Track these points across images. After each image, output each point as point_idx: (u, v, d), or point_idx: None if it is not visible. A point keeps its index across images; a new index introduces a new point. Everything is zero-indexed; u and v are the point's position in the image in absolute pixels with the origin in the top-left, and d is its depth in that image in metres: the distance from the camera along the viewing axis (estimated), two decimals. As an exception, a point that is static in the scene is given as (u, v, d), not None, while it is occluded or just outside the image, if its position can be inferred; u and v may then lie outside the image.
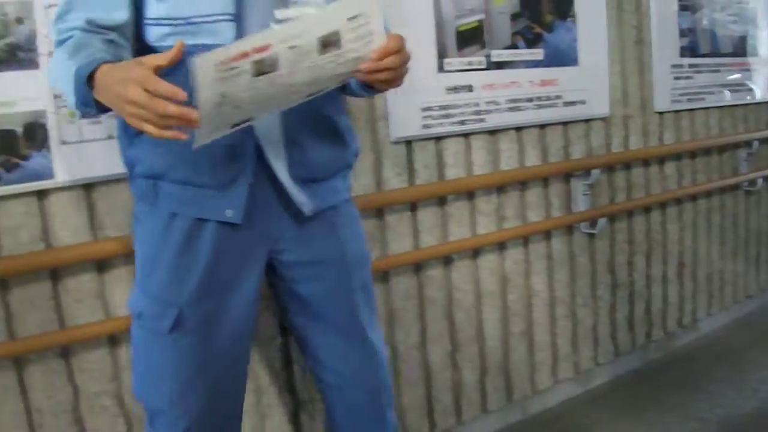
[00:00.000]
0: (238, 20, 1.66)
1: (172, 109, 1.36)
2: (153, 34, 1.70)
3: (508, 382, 3.31)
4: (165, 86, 1.36)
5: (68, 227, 2.19)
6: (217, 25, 1.65)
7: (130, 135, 1.79)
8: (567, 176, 3.44)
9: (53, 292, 2.25)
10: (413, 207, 2.89)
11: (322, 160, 1.85)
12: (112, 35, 1.68)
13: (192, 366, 1.82)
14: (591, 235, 3.55)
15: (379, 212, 2.81)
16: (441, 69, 2.91)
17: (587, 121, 3.50)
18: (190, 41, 1.59)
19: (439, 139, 2.93)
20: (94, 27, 1.66)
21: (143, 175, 1.80)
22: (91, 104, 1.54)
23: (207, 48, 1.46)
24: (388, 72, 1.63)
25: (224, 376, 1.89)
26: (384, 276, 2.85)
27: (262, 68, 1.45)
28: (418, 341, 2.97)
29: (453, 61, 2.94)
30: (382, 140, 2.79)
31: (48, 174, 2.14)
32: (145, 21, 1.71)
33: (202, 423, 1.86)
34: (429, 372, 3.03)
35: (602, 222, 3.53)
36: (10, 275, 2.17)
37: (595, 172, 3.44)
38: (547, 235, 3.38)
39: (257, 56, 1.43)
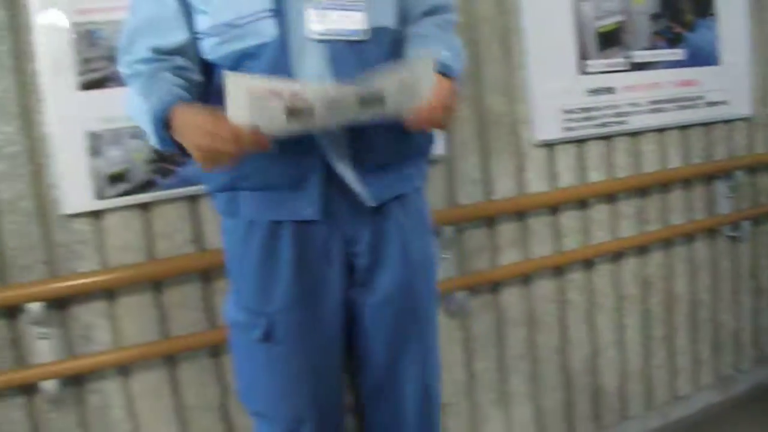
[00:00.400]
0: (279, 15, 1.62)
1: (238, 151, 1.49)
2: (206, 47, 1.70)
3: (648, 387, 3.19)
4: (229, 130, 1.46)
5: (219, 231, 2.17)
6: (259, 23, 1.61)
7: None
8: (709, 178, 3.28)
9: (204, 293, 2.27)
10: (554, 211, 2.81)
11: (387, 144, 1.75)
12: (178, 60, 1.70)
13: (285, 374, 1.79)
14: (734, 239, 3.38)
15: (520, 216, 2.73)
16: (582, 71, 2.82)
17: (729, 121, 3.33)
18: (239, 46, 1.62)
19: (580, 142, 2.84)
20: (159, 55, 1.69)
21: (220, 189, 1.79)
22: (171, 145, 1.61)
23: (256, 50, 1.59)
24: (429, 123, 1.65)
25: (319, 383, 1.84)
26: (525, 280, 2.79)
27: (296, 112, 1.48)
28: (558, 345, 2.89)
29: (594, 63, 2.84)
30: (525, 144, 2.71)
31: (199, 180, 2.13)
32: (197, 37, 1.71)
33: (300, 427, 1.84)
34: (568, 376, 2.94)
35: (746, 225, 3.36)
36: (164, 277, 2.20)
37: (739, 174, 3.28)
38: (690, 238, 3.24)
39: (291, 102, 1.47)
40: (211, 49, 1.69)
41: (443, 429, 2.67)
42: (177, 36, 1.70)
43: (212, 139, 1.47)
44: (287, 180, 1.69)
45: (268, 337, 1.77)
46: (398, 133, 1.70)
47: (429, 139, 1.91)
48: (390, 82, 1.52)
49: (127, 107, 1.72)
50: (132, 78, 1.70)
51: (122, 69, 1.74)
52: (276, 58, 1.61)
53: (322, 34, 1.63)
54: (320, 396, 1.85)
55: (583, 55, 2.82)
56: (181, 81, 1.66)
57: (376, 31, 1.68)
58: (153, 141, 1.65)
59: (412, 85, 1.55)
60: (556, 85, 2.74)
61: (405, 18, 1.78)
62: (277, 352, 1.78)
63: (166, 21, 1.69)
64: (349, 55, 1.65)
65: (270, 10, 1.61)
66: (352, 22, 1.65)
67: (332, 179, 1.70)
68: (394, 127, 1.67)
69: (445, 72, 1.70)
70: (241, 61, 1.64)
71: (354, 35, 1.65)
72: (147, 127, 1.62)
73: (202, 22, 1.68)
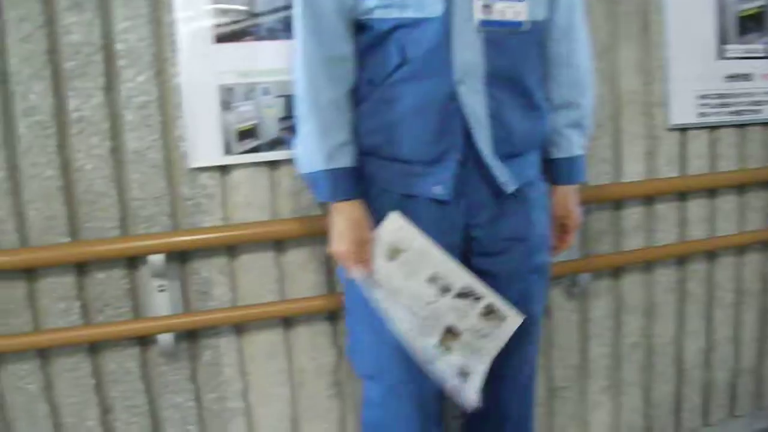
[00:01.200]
0: None
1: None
2: (359, 8, 1.64)
3: (759, 387, 2.97)
4: (366, 254, 1.66)
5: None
6: None
7: None
8: None
9: (326, 256, 2.16)
10: (682, 197, 2.60)
11: (522, 134, 1.74)
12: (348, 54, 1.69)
13: (393, 338, 1.73)
14: None
15: (648, 200, 2.54)
16: (720, 56, 2.60)
17: None
18: (397, 14, 1.61)
19: (713, 128, 2.62)
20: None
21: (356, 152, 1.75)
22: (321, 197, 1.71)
23: (414, 23, 1.59)
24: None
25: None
26: (647, 266, 2.60)
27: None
28: (673, 336, 2.70)
29: (733, 48, 2.62)
30: (657, 127, 2.52)
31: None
32: None
33: (402, 389, 1.81)
34: (681, 369, 2.75)
35: None
36: (287, 237, 2.11)
37: None
38: (818, 237, 2.99)
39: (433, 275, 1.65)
40: (366, 10, 1.64)
41: (552, 412, 2.56)
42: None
43: (349, 253, 1.66)
44: (424, 156, 1.68)
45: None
46: (529, 119, 1.73)
47: (546, 126, 1.87)
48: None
49: (301, 126, 1.70)
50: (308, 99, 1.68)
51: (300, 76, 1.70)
52: (437, 37, 1.60)
53: (485, 23, 1.61)
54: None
55: (723, 39, 2.60)
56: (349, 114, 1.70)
57: (531, 23, 1.67)
58: (307, 181, 1.74)
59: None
60: (693, 69, 2.54)
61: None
62: (381, 322, 1.74)
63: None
64: (506, 45, 1.65)
65: None
66: (515, 13, 1.64)
67: (465, 160, 1.68)
68: (526, 112, 1.71)
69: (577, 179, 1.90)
70: (396, 30, 1.63)
71: (515, 27, 1.65)
72: (311, 169, 1.69)
73: None
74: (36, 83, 1.90)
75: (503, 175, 1.69)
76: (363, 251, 1.66)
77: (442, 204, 1.69)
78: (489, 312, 1.66)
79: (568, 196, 1.90)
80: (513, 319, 1.69)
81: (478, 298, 1.66)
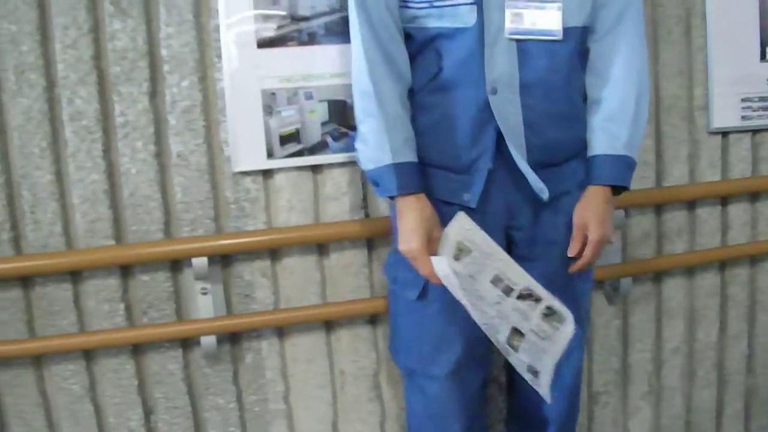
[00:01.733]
0: (479, 5, 1.59)
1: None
2: (403, 16, 1.66)
3: (802, 393, 2.90)
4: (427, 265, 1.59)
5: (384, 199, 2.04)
6: (459, 8, 1.60)
7: None
8: None
9: (368, 260, 2.14)
10: (724, 202, 2.54)
11: (561, 143, 1.71)
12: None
13: (437, 332, 1.77)
14: None
15: (689, 204, 2.48)
16: (763, 58, 2.54)
17: None
18: (434, 24, 1.62)
19: (756, 132, 2.56)
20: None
21: None
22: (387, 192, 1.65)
23: (451, 33, 1.61)
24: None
25: (467, 344, 1.79)
26: (689, 271, 2.54)
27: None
28: (715, 341, 2.64)
29: (777, 50, 2.56)
30: (699, 130, 2.46)
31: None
32: (400, 4, 1.66)
33: (445, 384, 1.82)
34: (722, 374, 2.69)
35: None
36: (329, 241, 2.09)
37: None
38: None
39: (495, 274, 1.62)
40: (408, 19, 1.66)
41: (592, 417, 2.51)
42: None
43: (421, 250, 1.60)
44: (457, 163, 1.68)
45: (423, 295, 1.75)
46: (568, 128, 1.71)
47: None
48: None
49: (361, 122, 1.68)
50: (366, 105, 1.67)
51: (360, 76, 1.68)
52: (470, 47, 1.60)
53: (518, 32, 1.60)
54: (467, 355, 1.81)
55: (766, 41, 2.54)
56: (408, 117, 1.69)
57: (569, 31, 1.64)
58: (369, 176, 1.68)
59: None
60: (735, 72, 2.48)
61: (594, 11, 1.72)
62: (431, 310, 1.76)
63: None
64: (540, 54, 1.63)
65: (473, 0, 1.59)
66: (548, 22, 1.62)
67: (498, 168, 1.67)
68: (565, 121, 1.69)
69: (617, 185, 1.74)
70: (435, 40, 1.64)
71: (549, 35, 1.62)
72: (374, 165, 1.65)
73: None
74: (82, 88, 1.90)
75: (537, 182, 1.66)
76: (431, 248, 1.61)
77: (474, 211, 1.67)
78: (549, 314, 1.63)
79: (587, 201, 1.73)
80: (572, 321, 1.65)
81: (538, 300, 1.62)
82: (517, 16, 1.59)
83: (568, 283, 1.80)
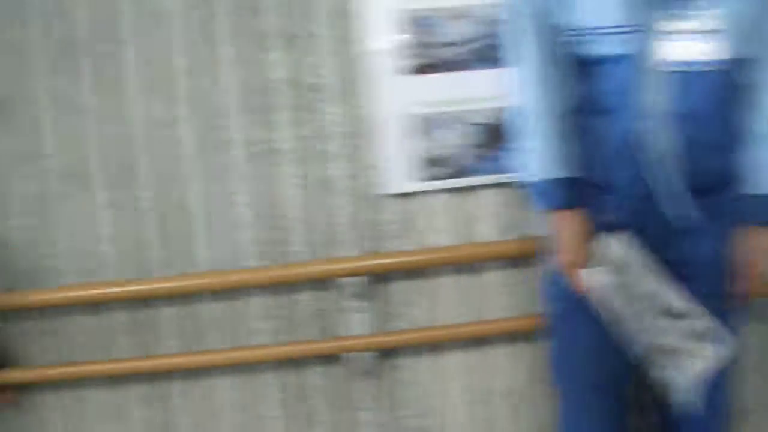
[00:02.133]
0: (638, 33, 1.59)
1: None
2: (565, 40, 1.67)
3: None
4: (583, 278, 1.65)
5: (535, 220, 2.03)
6: (616, 36, 1.60)
7: None
8: None
9: (518, 279, 2.16)
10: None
11: (711, 173, 1.68)
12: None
13: (590, 348, 1.78)
14: None
15: None
16: None
17: None
18: (594, 50, 1.63)
19: None
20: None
21: None
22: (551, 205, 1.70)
23: (606, 59, 1.62)
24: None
25: (616, 360, 1.77)
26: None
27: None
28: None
29: None
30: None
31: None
32: (562, 28, 1.68)
33: (593, 401, 1.83)
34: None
35: None
36: (479, 260, 2.12)
37: None
38: None
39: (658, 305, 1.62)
40: (570, 43, 1.66)
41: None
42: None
43: (577, 264, 1.67)
44: (605, 181, 1.69)
45: (577, 311, 1.75)
46: (721, 160, 1.69)
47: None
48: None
49: (522, 120, 1.71)
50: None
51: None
52: (627, 74, 1.61)
53: (670, 63, 1.59)
54: (619, 371, 1.81)
55: None
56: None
57: (728, 62, 1.61)
58: (537, 176, 1.70)
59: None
60: None
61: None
62: (584, 327, 1.76)
63: None
64: (697, 84, 1.60)
65: (631, 26, 1.59)
66: (701, 53, 1.59)
67: (649, 195, 1.66)
68: (718, 155, 1.67)
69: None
70: (594, 65, 1.65)
71: (707, 66, 1.60)
72: (535, 176, 1.69)
73: (566, 20, 1.66)
74: (243, 116, 2.01)
75: (687, 209, 1.66)
76: (586, 262, 1.66)
77: (623, 230, 1.68)
78: (703, 334, 1.61)
79: (748, 239, 1.73)
80: (728, 342, 1.63)
81: (692, 318, 1.61)
82: (671, 47, 1.59)
83: (722, 305, 1.76)
